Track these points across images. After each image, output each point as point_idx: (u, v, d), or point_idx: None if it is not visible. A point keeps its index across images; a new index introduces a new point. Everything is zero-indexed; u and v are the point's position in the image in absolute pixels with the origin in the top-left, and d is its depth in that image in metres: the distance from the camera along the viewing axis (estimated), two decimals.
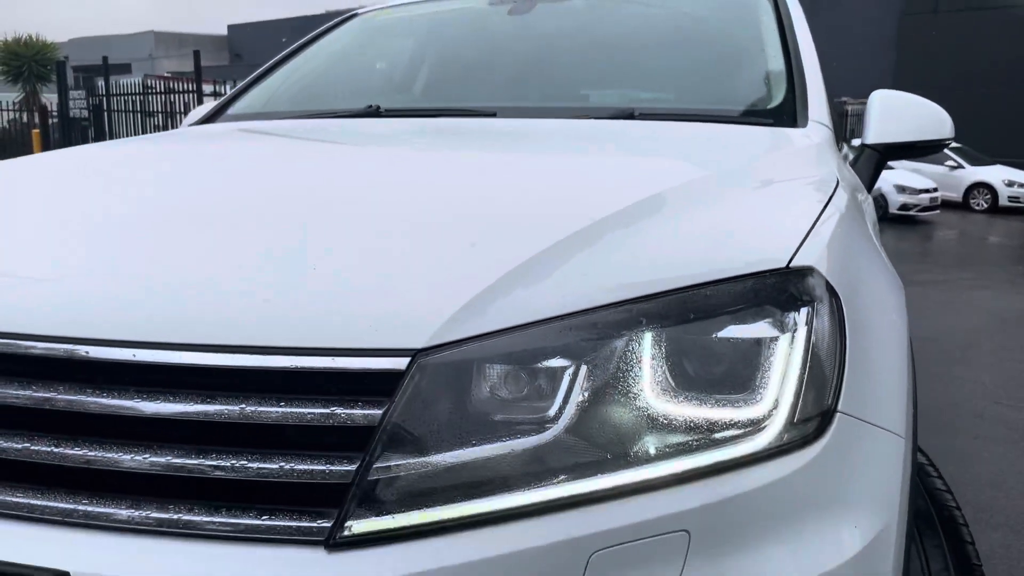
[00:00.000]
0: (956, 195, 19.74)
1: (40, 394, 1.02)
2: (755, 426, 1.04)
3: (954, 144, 20.69)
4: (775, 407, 1.05)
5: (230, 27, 34.29)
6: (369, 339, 0.98)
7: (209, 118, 2.78)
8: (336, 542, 0.93)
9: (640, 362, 1.02)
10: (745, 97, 2.34)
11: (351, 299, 1.04)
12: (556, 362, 1.01)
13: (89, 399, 1.01)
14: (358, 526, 0.94)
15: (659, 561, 0.96)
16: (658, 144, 1.83)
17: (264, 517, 0.95)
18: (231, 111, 2.78)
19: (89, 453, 1.00)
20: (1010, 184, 19.42)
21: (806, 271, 1.14)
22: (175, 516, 0.96)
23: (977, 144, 21.13)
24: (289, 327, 1.00)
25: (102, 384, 1.02)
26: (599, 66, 2.51)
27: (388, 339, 0.98)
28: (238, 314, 1.03)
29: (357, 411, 0.96)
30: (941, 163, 20.06)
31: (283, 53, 3.08)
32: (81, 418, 1.02)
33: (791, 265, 1.15)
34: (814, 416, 1.07)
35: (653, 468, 0.99)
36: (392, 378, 0.97)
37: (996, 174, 19.68)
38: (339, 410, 0.97)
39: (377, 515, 0.94)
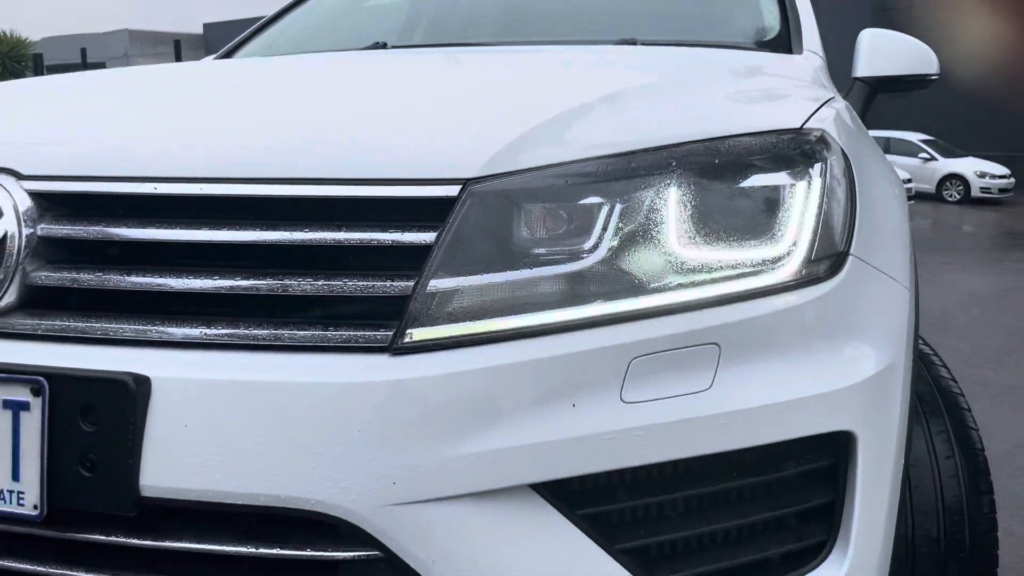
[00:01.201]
0: (929, 187, 20.02)
1: (126, 230, 1.09)
2: (777, 261, 1.13)
3: (927, 137, 21.02)
4: (794, 246, 1.14)
5: (206, 26, 34.21)
6: (425, 170, 1.06)
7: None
8: (398, 348, 1.01)
9: (671, 202, 1.11)
10: (741, 30, 2.44)
11: (407, 135, 1.12)
12: (593, 198, 1.09)
13: (172, 231, 1.08)
14: (417, 334, 1.02)
15: (694, 368, 1.05)
16: (667, 54, 1.92)
17: (331, 329, 1.03)
18: (236, 56, 2.84)
19: (169, 280, 1.07)
20: (982, 176, 19.73)
21: (819, 132, 1.24)
22: (247, 331, 1.04)
23: (950, 137, 21.45)
24: (352, 160, 1.08)
25: (179, 216, 1.09)
26: (599, 5, 2.60)
27: (442, 170, 1.06)
28: (304, 149, 1.10)
29: (413, 235, 1.04)
30: (915, 155, 20.36)
31: (283, 7, 3.14)
32: (162, 248, 1.09)
33: (805, 127, 1.24)
34: (829, 256, 1.16)
35: (684, 292, 1.08)
36: (445, 205, 1.05)
37: (968, 166, 20.00)
38: (397, 234, 1.04)
39: (433, 325, 1.02)
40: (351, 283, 1.04)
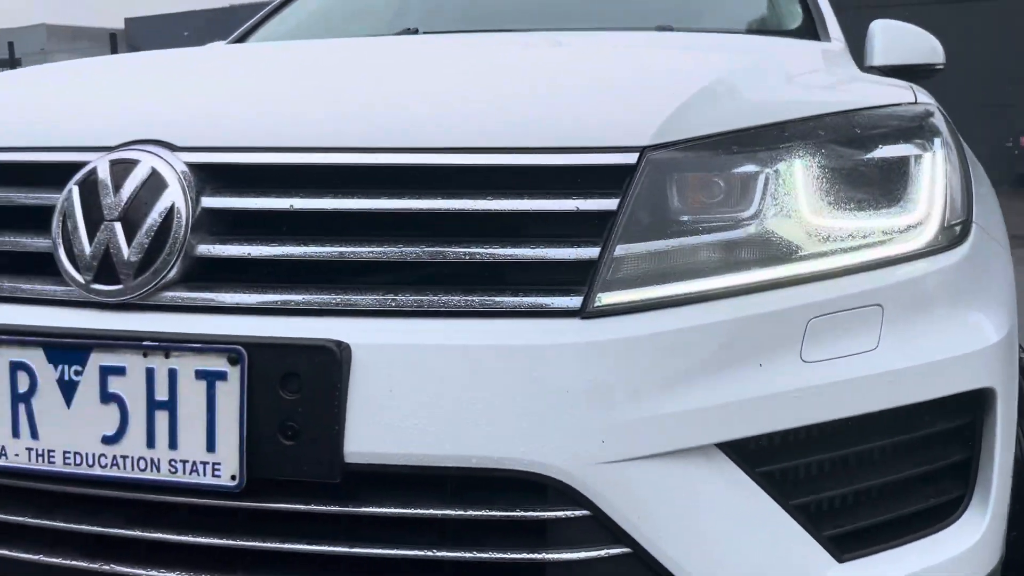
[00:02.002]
0: None
1: (298, 200, 1.09)
2: (916, 227, 1.18)
3: None
4: (929, 213, 1.20)
5: (128, 20, 33.22)
6: (601, 138, 1.09)
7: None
8: (589, 312, 1.03)
9: (824, 169, 1.15)
10: (763, 18, 2.51)
11: (575, 106, 1.15)
12: (753, 166, 1.13)
13: (347, 201, 1.08)
14: (605, 298, 1.04)
15: (862, 328, 1.10)
16: (728, 40, 1.97)
17: (520, 295, 1.04)
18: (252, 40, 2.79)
19: (350, 249, 1.07)
20: None
21: (932, 106, 1.30)
22: (436, 297, 1.04)
23: None
24: (525, 129, 1.10)
25: (352, 186, 1.09)
26: None
27: (619, 138, 1.09)
28: (475, 119, 1.12)
29: (596, 201, 1.06)
30: None
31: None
32: (334, 217, 1.09)
33: (919, 101, 1.31)
34: (958, 222, 1.22)
35: (848, 256, 1.13)
36: (623, 172, 1.07)
37: None
38: (579, 201, 1.06)
39: (619, 290, 1.05)
40: (534, 250, 1.06)
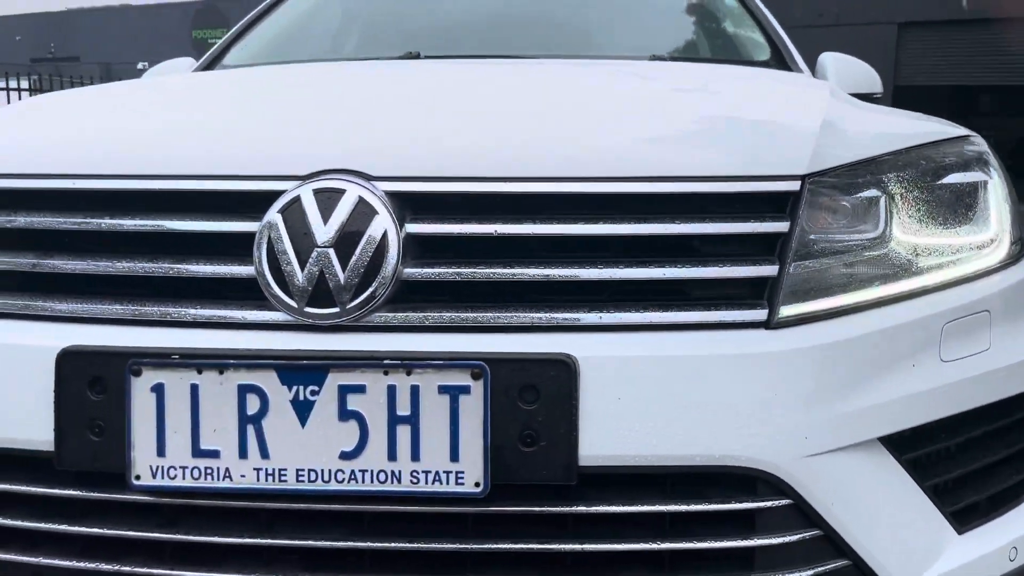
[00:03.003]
0: None
1: (501, 225, 1.17)
2: (994, 243, 1.38)
3: None
4: (1000, 231, 1.40)
5: None
6: (769, 168, 1.23)
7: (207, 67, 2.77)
8: (774, 324, 1.17)
9: (925, 194, 1.33)
10: (742, 52, 2.72)
11: (739, 139, 1.29)
12: (876, 191, 1.30)
13: (544, 226, 1.17)
14: (786, 311, 1.18)
15: (977, 331, 1.29)
16: (735, 72, 2.15)
17: (713, 309, 1.16)
18: (227, 61, 2.78)
19: (556, 271, 1.16)
20: None
21: (974, 137, 1.51)
22: (636, 314, 1.15)
23: None
24: (693, 160, 1.22)
25: (546, 213, 1.18)
26: (608, 22, 2.80)
27: (784, 168, 1.23)
28: (653, 151, 1.24)
29: (771, 224, 1.20)
30: None
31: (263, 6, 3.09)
32: (528, 241, 1.18)
33: (968, 135, 1.51)
34: (1018, 239, 1.43)
35: (962, 267, 1.31)
36: (788, 197, 1.22)
37: None
38: (758, 224, 1.20)
39: (794, 303, 1.19)
40: (721, 269, 1.18)
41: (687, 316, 1.16)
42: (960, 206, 1.38)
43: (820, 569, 1.15)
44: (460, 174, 1.20)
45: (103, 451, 1.12)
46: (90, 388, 1.13)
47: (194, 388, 1.11)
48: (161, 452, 1.11)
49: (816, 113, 1.40)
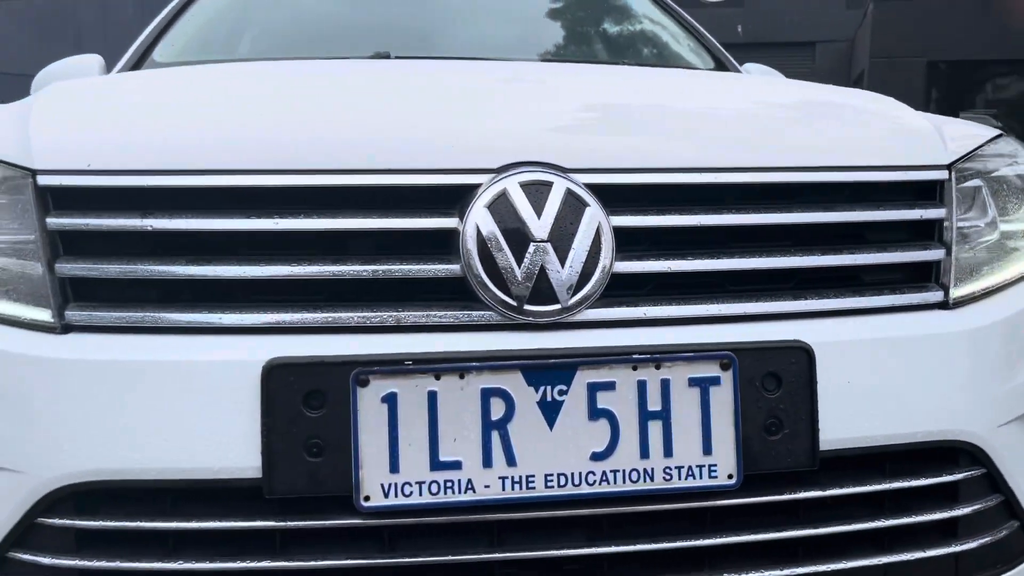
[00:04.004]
0: None
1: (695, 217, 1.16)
2: None
3: None
4: None
5: None
6: (921, 159, 1.29)
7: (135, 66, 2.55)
8: (952, 304, 1.23)
9: (1013, 181, 1.45)
10: (692, 60, 2.82)
11: (880, 132, 1.34)
12: (979, 180, 1.39)
13: (739, 216, 1.18)
14: (957, 292, 1.24)
15: None
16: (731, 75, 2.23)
17: (898, 293, 1.21)
18: (159, 58, 2.57)
19: (756, 261, 1.17)
20: None
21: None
22: (829, 300, 1.18)
23: None
24: (849, 153, 1.27)
25: (740, 203, 1.19)
26: (555, 30, 2.82)
27: (932, 158, 1.30)
28: (822, 142, 1.28)
29: (932, 211, 1.26)
30: None
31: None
32: (719, 232, 1.18)
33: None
34: None
35: None
36: (939, 185, 1.29)
37: None
38: (923, 211, 1.25)
39: (964, 284, 1.25)
40: (894, 254, 1.23)
41: (880, 300, 1.20)
42: None
43: (1001, 534, 1.22)
44: (654, 165, 1.18)
45: (323, 473, 1.01)
46: (305, 403, 1.01)
47: (432, 395, 1.02)
48: (395, 468, 1.01)
49: (906, 109, 1.49)
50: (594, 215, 1.11)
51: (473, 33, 2.67)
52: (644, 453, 1.05)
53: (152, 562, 1.02)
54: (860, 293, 1.19)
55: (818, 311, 1.16)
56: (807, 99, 1.58)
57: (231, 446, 1.02)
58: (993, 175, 1.40)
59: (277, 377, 1.01)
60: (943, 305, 1.23)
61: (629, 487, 1.05)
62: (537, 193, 1.11)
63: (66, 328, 1.08)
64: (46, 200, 1.13)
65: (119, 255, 1.11)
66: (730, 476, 1.06)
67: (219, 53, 2.53)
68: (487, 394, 1.03)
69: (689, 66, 2.64)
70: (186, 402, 1.02)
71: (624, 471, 1.05)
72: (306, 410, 1.01)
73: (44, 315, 1.09)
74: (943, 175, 1.29)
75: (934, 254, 1.24)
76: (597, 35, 2.81)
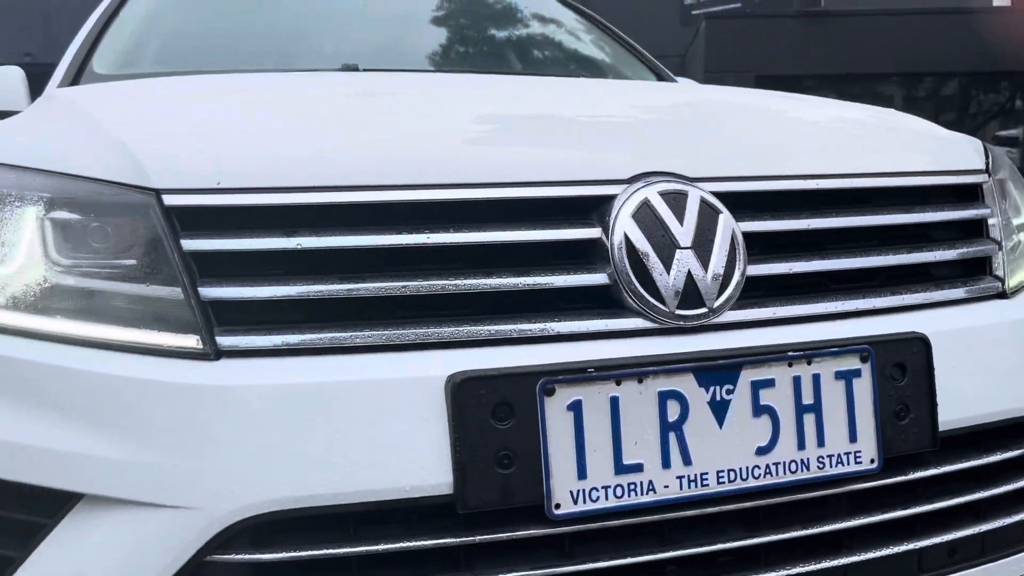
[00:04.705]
0: None
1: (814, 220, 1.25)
2: None
3: None
4: None
5: None
6: (964, 164, 1.43)
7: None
8: (1008, 293, 1.36)
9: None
10: (633, 74, 2.93)
11: (917, 144, 1.47)
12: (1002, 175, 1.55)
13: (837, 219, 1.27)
14: (1010, 282, 1.38)
15: None
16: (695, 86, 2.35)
17: (959, 286, 1.33)
18: (99, 69, 2.43)
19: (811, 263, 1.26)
20: None
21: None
22: (905, 296, 1.28)
23: None
24: (898, 162, 1.39)
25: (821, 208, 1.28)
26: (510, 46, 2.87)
27: (972, 164, 1.43)
28: (894, 153, 1.39)
29: (979, 211, 1.39)
30: None
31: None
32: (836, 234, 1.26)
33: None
34: None
35: None
36: (976, 188, 1.42)
37: None
38: (975, 211, 1.39)
39: (1013, 274, 1.39)
40: (948, 251, 1.34)
41: (957, 292, 1.31)
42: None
43: None
44: (765, 173, 1.25)
45: (515, 484, 1.02)
46: (493, 416, 1.02)
47: (614, 401, 1.05)
48: (582, 475, 1.03)
49: (919, 120, 1.63)
50: (727, 222, 1.16)
51: (430, 47, 2.68)
52: (801, 445, 1.11)
53: None
54: (941, 287, 1.30)
55: (918, 304, 1.26)
56: (849, 114, 1.69)
57: (419, 463, 1.00)
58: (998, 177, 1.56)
59: (466, 391, 1.01)
60: (1001, 295, 1.36)
61: (788, 478, 1.11)
62: (675, 202, 1.15)
63: (218, 354, 1.03)
64: (173, 222, 1.07)
65: (260, 275, 1.07)
66: (872, 461, 1.14)
67: (172, 64, 2.42)
68: (664, 397, 1.06)
69: (651, 78, 2.75)
70: (369, 422, 1.00)
71: (784, 463, 1.10)
72: (495, 422, 1.02)
73: (190, 341, 1.04)
74: (984, 178, 1.42)
75: (990, 249, 1.37)
76: (564, 54, 2.87)
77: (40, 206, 1.10)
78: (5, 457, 1.04)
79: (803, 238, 1.25)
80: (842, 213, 1.27)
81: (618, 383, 1.05)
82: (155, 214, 1.07)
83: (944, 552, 1.22)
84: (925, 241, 1.35)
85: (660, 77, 2.89)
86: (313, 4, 2.89)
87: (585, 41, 3.00)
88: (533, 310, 1.11)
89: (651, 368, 1.06)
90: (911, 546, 1.19)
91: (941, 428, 1.20)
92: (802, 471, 1.11)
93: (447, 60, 2.65)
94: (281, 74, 2.12)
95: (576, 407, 1.03)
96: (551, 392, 1.02)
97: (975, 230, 1.40)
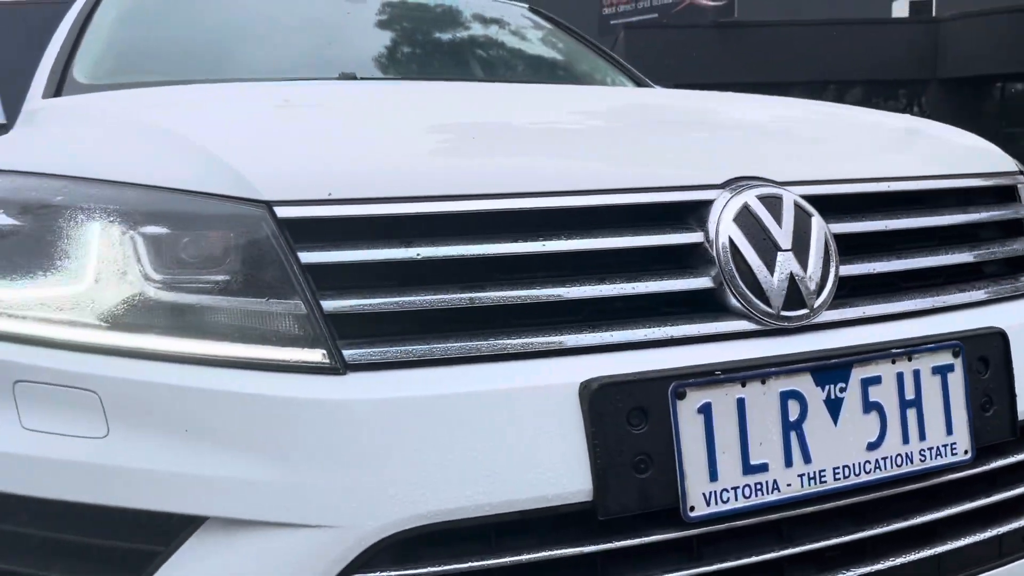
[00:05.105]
0: None
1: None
2: None
3: None
4: None
5: None
6: (1000, 167, 1.49)
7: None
8: None
9: None
10: (607, 76, 2.97)
11: (966, 146, 1.54)
12: None
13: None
14: None
15: None
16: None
17: (1010, 283, 1.39)
18: (81, 79, 2.35)
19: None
20: None
21: None
22: (969, 293, 1.34)
23: None
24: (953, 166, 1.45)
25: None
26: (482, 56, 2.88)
27: (1007, 167, 1.51)
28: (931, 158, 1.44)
29: (1012, 210, 1.46)
30: None
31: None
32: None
33: None
34: None
35: None
36: (1015, 187, 1.50)
37: None
38: (1012, 208, 1.45)
39: None
40: (1004, 248, 1.41)
41: (1010, 288, 1.37)
42: None
43: None
44: (848, 176, 1.29)
45: (651, 488, 1.03)
46: (628, 421, 1.02)
47: (740, 402, 1.06)
48: (713, 477, 1.05)
49: (948, 126, 1.70)
50: (819, 224, 1.19)
51: (420, 56, 2.67)
52: (905, 439, 1.15)
53: None
54: (998, 283, 1.36)
55: (987, 300, 1.31)
56: (891, 121, 1.73)
57: (558, 471, 1.00)
58: None
59: (603, 397, 1.01)
60: None
61: (893, 472, 1.14)
62: (772, 205, 1.18)
63: (346, 367, 1.01)
64: (286, 234, 1.05)
65: (377, 287, 1.05)
66: (966, 452, 1.18)
67: (159, 73, 2.35)
68: (785, 397, 1.08)
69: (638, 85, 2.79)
70: (505, 433, 1.00)
71: (891, 457, 1.14)
72: (630, 427, 1.02)
73: (316, 356, 1.01)
74: (1018, 180, 1.50)
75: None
76: (551, 64, 2.89)
77: (140, 222, 1.06)
78: (117, 484, 1.00)
79: (879, 239, 1.29)
80: (911, 214, 1.32)
81: (743, 384, 1.06)
82: (268, 227, 1.04)
83: (1020, 537, 1.27)
84: (973, 240, 1.40)
85: (639, 84, 2.94)
86: (289, 9, 2.85)
87: (574, 51, 3.03)
88: (638, 315, 1.12)
89: (773, 369, 1.08)
90: (995, 532, 1.24)
91: (1020, 417, 1.25)
92: (906, 464, 1.15)
93: (442, 70, 2.65)
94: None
95: (706, 410, 1.05)
96: (682, 396, 1.04)
97: (1015, 228, 1.46)
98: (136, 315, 1.03)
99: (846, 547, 1.14)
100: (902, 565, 1.16)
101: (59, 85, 2.27)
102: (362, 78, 2.33)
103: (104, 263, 1.05)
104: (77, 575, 1.05)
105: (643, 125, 1.40)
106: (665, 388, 1.03)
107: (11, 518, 1.05)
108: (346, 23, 2.81)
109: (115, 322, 1.03)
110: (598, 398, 1.01)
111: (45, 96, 2.23)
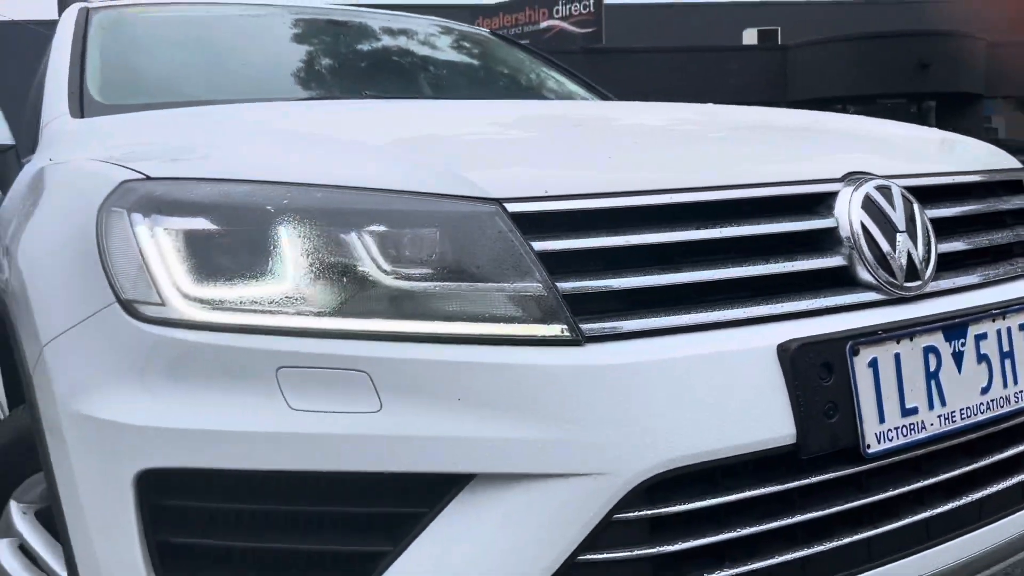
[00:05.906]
0: None
1: None
2: None
3: None
4: None
5: None
6: (1012, 163, 1.79)
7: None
8: None
9: None
10: (575, 92, 3.18)
11: (987, 149, 1.82)
12: None
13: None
14: None
15: None
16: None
17: None
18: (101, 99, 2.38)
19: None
20: None
21: None
22: None
23: None
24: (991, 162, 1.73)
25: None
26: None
27: (1012, 163, 1.80)
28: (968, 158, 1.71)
29: None
30: None
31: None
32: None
33: None
34: None
35: None
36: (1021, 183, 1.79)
37: None
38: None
39: None
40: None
41: None
42: None
43: None
44: (918, 171, 1.53)
45: (838, 431, 1.22)
46: (819, 375, 1.21)
47: (896, 357, 1.27)
48: (882, 419, 1.25)
49: (954, 133, 2.00)
50: (920, 209, 1.43)
51: (427, 77, 2.81)
52: (1005, 383, 1.38)
53: (719, 535, 1.15)
54: None
55: None
56: (914, 130, 2.00)
57: (770, 419, 1.18)
58: None
59: (801, 355, 1.20)
60: None
61: (998, 411, 1.38)
62: (885, 195, 1.40)
63: (585, 339, 1.16)
64: (518, 227, 1.19)
65: (595, 270, 1.21)
66: None
67: (177, 94, 2.40)
68: (926, 351, 1.30)
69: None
70: (724, 388, 1.17)
71: (997, 399, 1.37)
72: (820, 380, 1.21)
73: (556, 330, 1.16)
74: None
75: None
76: (530, 82, 3.08)
77: (392, 223, 1.18)
78: (392, 451, 1.11)
79: (952, 221, 1.53)
80: (970, 202, 1.57)
81: (898, 342, 1.27)
82: (502, 221, 1.18)
83: None
84: (1003, 225, 1.67)
85: (606, 98, 3.16)
86: (285, 31, 2.94)
87: (541, 74, 3.23)
88: (783, 291, 1.31)
89: (918, 328, 1.30)
90: None
91: None
92: (1007, 405, 1.38)
93: (445, 91, 2.79)
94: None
95: (874, 363, 1.25)
96: (857, 352, 1.23)
97: None
98: (396, 305, 1.15)
99: (966, 476, 1.37)
100: (1002, 490, 1.40)
101: (81, 105, 2.30)
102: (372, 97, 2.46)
103: (358, 262, 1.16)
104: (340, 546, 1.14)
105: (754, 133, 1.61)
106: (843, 347, 1.23)
107: (277, 496, 1.14)
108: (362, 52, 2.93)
109: (380, 312, 1.14)
110: (798, 357, 1.19)
111: (70, 112, 2.25)
